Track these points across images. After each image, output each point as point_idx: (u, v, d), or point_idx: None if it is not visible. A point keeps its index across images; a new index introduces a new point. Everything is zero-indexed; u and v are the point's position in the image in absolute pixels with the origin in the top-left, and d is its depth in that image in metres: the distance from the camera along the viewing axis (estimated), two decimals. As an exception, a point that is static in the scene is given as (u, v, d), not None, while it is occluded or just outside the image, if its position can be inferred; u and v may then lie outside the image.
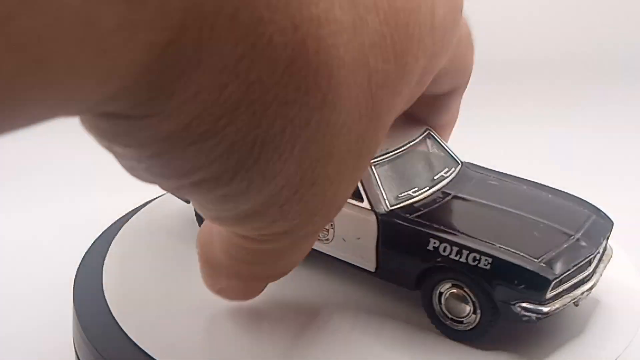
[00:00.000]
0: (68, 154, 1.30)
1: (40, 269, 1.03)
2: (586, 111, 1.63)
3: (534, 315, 0.72)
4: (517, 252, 0.73)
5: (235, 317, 0.76)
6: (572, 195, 0.86)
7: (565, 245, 0.77)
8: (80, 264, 0.85)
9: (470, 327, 0.75)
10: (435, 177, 0.83)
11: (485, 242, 0.74)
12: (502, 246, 0.73)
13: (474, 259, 0.72)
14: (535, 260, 0.73)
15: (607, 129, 1.56)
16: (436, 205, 0.80)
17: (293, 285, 0.80)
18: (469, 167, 0.88)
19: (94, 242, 0.90)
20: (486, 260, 0.72)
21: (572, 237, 0.78)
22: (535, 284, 0.71)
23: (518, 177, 0.88)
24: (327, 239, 0.78)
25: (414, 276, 0.76)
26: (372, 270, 0.77)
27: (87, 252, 0.88)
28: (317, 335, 0.74)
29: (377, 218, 0.76)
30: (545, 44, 1.81)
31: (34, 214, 1.17)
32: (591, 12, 1.86)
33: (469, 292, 0.74)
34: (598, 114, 1.62)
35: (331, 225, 0.77)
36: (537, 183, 0.88)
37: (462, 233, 0.75)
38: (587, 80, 1.74)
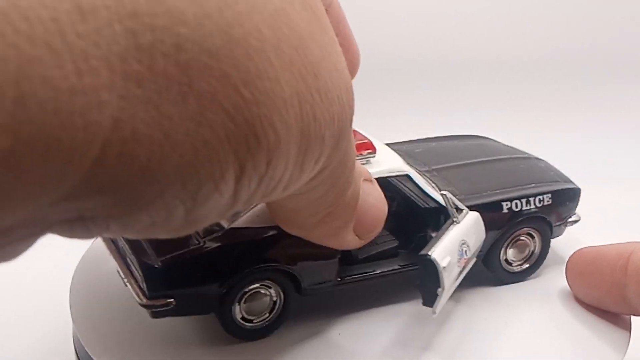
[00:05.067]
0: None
1: (39, 269, 1.04)
2: (579, 112, 1.68)
3: (570, 226, 0.89)
4: (548, 181, 0.89)
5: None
6: (456, 135, 1.04)
7: (542, 165, 0.94)
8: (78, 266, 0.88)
9: (533, 261, 0.89)
10: (407, 163, 0.88)
11: (527, 185, 0.87)
12: (535, 183, 0.88)
13: (540, 200, 0.86)
14: (563, 180, 0.90)
15: (602, 128, 1.61)
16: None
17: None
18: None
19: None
20: (547, 196, 0.86)
21: (531, 157, 0.96)
22: (577, 197, 0.89)
23: (414, 140, 1.00)
24: (462, 271, 0.79)
25: (490, 243, 0.85)
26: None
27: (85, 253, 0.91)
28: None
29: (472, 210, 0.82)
30: (544, 45, 1.84)
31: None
32: (591, 13, 1.89)
33: (532, 231, 0.87)
34: (594, 115, 1.67)
35: (467, 256, 0.80)
36: (436, 137, 1.02)
37: (508, 188, 0.86)
38: (580, 80, 1.78)
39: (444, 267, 0.72)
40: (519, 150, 0.98)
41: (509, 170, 0.91)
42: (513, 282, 0.89)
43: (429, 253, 0.73)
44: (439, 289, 0.73)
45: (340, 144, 0.51)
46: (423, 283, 0.74)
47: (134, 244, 0.74)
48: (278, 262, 0.75)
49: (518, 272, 0.89)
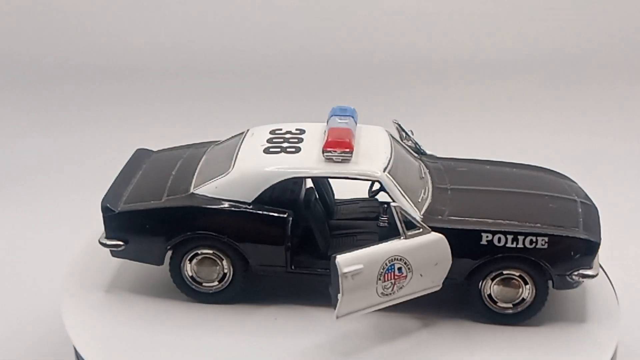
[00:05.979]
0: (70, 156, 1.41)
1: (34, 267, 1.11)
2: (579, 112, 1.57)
3: (583, 280, 0.80)
4: (560, 225, 0.80)
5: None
6: (530, 164, 0.93)
7: (579, 210, 0.83)
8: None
9: (524, 307, 0.81)
10: (422, 177, 0.86)
11: (528, 224, 0.79)
12: (542, 224, 0.79)
13: (531, 242, 0.78)
14: (583, 229, 0.80)
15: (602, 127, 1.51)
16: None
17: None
18: (428, 159, 0.91)
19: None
20: (542, 239, 0.78)
21: (576, 201, 0.85)
22: (590, 250, 0.79)
23: (475, 159, 0.93)
24: (397, 288, 0.77)
25: (465, 273, 0.79)
26: (439, 287, 0.79)
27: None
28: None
29: (439, 233, 0.78)
30: (543, 44, 1.68)
31: (34, 208, 1.26)
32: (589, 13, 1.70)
33: (524, 274, 0.80)
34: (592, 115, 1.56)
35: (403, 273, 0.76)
36: (493, 161, 0.92)
37: (505, 221, 0.79)
38: (580, 80, 1.64)
39: (345, 273, 0.71)
40: (574, 191, 0.88)
41: (527, 206, 0.84)
42: (499, 324, 0.82)
43: (337, 255, 0.72)
44: (339, 294, 0.72)
45: None
46: (331, 285, 0.74)
47: (129, 188, 0.85)
48: (222, 234, 0.80)
49: (501, 314, 0.81)
